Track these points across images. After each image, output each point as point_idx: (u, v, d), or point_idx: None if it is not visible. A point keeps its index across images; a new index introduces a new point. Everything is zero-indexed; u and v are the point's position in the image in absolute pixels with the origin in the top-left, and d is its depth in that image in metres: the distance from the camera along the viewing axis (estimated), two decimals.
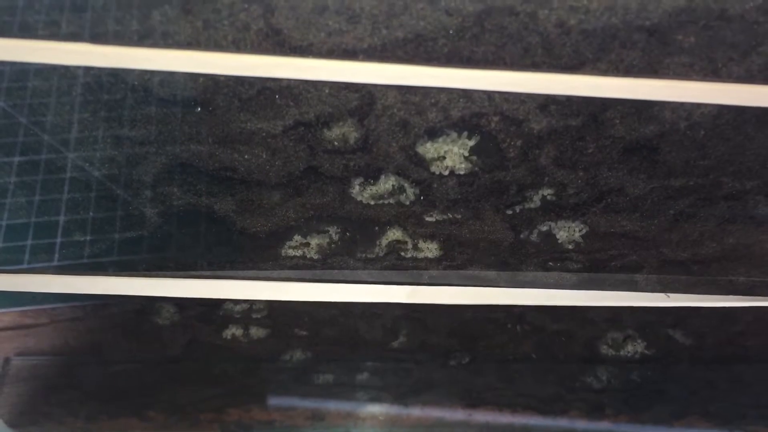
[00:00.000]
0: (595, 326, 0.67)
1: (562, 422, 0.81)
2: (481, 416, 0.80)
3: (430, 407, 0.79)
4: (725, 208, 0.52)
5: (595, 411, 0.78)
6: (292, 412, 0.79)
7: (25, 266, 0.56)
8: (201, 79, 0.43)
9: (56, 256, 0.55)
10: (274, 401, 0.78)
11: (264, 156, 0.48)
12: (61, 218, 0.53)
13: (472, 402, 0.77)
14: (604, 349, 0.70)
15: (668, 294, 0.60)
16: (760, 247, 0.56)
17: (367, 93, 0.44)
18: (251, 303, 0.64)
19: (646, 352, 0.71)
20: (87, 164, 0.49)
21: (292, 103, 0.45)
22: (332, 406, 0.79)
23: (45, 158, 0.49)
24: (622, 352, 0.70)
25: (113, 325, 0.68)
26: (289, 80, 0.43)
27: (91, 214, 0.53)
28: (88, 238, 0.54)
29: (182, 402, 0.77)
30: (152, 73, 0.43)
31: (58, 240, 0.54)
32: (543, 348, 0.70)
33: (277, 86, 0.44)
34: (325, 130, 0.47)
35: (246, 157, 0.48)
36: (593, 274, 0.59)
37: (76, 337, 0.70)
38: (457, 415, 0.79)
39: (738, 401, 0.78)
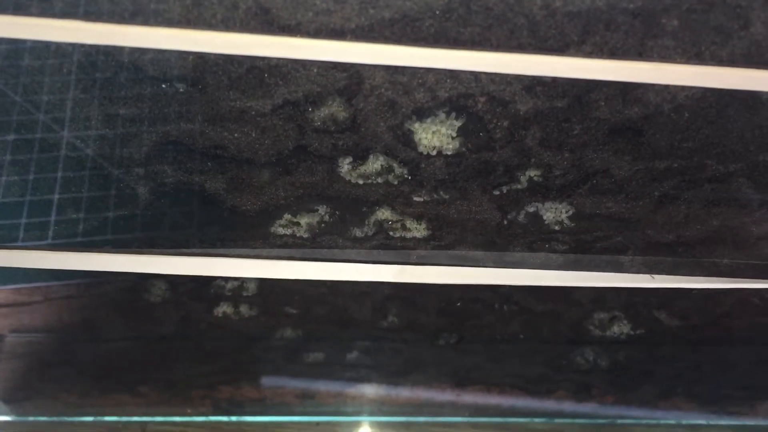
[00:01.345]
0: (581, 307, 0.68)
1: (550, 403, 0.82)
2: (470, 396, 0.81)
3: (420, 387, 0.80)
4: (709, 191, 0.53)
5: (581, 391, 0.80)
6: (283, 390, 0.80)
7: (18, 244, 0.56)
8: (191, 57, 0.44)
9: (49, 233, 0.55)
10: (264, 379, 0.79)
11: (253, 134, 0.49)
12: (54, 196, 0.53)
13: (461, 381, 0.78)
14: (591, 330, 0.71)
15: (653, 275, 0.61)
16: (743, 229, 0.57)
17: (355, 73, 0.45)
18: (242, 281, 0.65)
19: (632, 332, 0.72)
20: (78, 142, 0.49)
21: (281, 82, 0.45)
22: (322, 384, 0.80)
23: (37, 137, 0.49)
24: (608, 333, 0.71)
25: (106, 302, 0.69)
26: (277, 59, 0.44)
27: (83, 192, 0.53)
28: (80, 215, 0.54)
29: (174, 379, 0.78)
30: (143, 51, 0.43)
31: (51, 218, 0.55)
32: (530, 328, 0.71)
33: (266, 65, 0.44)
34: (313, 110, 0.47)
35: (236, 135, 0.49)
36: (579, 255, 0.60)
37: (69, 314, 0.70)
38: (446, 394, 0.81)
39: (723, 382, 0.80)
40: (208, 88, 0.45)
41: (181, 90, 0.45)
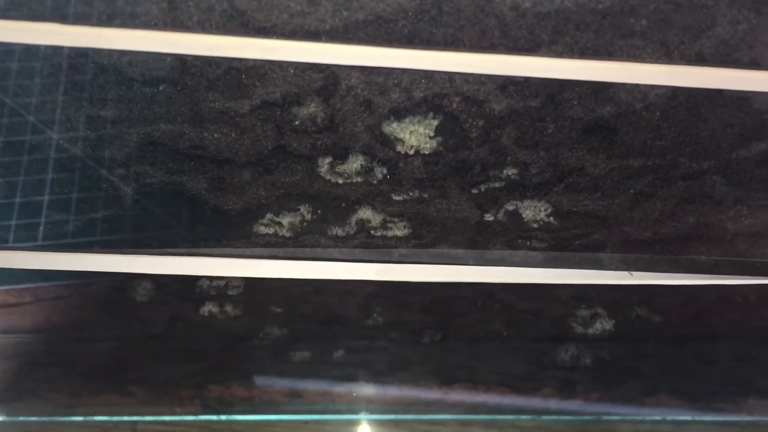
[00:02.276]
0: (563, 304, 0.69)
1: (536, 400, 0.83)
2: (457, 394, 0.81)
3: (407, 385, 0.81)
4: (683, 188, 0.54)
5: (566, 388, 0.80)
6: (271, 389, 0.81)
7: (8, 245, 0.57)
8: (168, 59, 0.44)
9: (36, 234, 0.56)
10: (253, 378, 0.79)
11: (233, 135, 0.49)
12: (39, 198, 0.54)
13: (447, 379, 0.79)
14: (574, 327, 0.72)
15: (632, 272, 0.61)
16: (719, 226, 0.58)
17: (331, 73, 0.46)
18: (227, 280, 0.66)
19: (614, 329, 0.72)
20: (61, 144, 0.50)
21: (258, 83, 0.46)
22: (310, 383, 0.81)
23: (18, 139, 0.50)
24: (590, 330, 0.72)
25: (95, 303, 0.69)
26: (254, 61, 0.44)
27: (67, 193, 0.54)
28: (66, 216, 0.55)
29: (163, 378, 0.79)
30: (121, 53, 0.44)
31: (39, 219, 0.55)
32: (513, 326, 0.71)
33: (243, 66, 0.45)
34: (291, 110, 0.48)
35: (215, 135, 0.49)
36: (559, 253, 0.60)
37: (59, 315, 0.71)
38: (434, 392, 0.81)
39: (706, 379, 0.80)
40: (187, 90, 0.46)
41: (160, 91, 0.46)
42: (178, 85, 0.46)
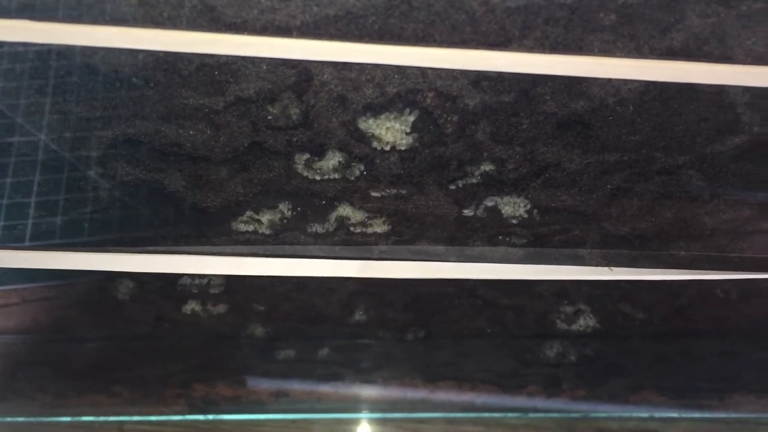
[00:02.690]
0: (545, 301, 0.69)
1: (522, 398, 0.83)
2: (443, 392, 0.82)
3: (393, 383, 0.81)
4: (660, 183, 0.54)
5: (552, 386, 0.80)
6: (257, 388, 0.81)
7: None
8: (141, 55, 0.45)
9: (16, 234, 0.56)
10: (238, 377, 0.79)
11: (208, 132, 0.50)
12: (20, 199, 0.54)
13: (432, 377, 0.79)
14: (557, 324, 0.72)
15: (612, 268, 0.61)
16: (697, 221, 0.58)
17: (303, 69, 0.46)
18: (209, 278, 0.66)
19: (598, 326, 0.72)
20: (36, 143, 0.50)
21: (231, 80, 0.46)
22: (296, 382, 0.81)
23: None
24: (574, 327, 0.72)
25: (80, 303, 0.69)
26: (226, 56, 0.45)
27: (46, 193, 0.54)
28: (45, 216, 0.55)
29: (148, 378, 0.79)
30: (93, 49, 0.44)
31: (20, 220, 0.55)
32: (497, 323, 0.72)
33: (215, 62, 0.45)
34: (266, 106, 0.48)
35: (191, 132, 0.49)
36: (539, 249, 0.61)
37: (45, 315, 0.71)
38: (419, 390, 0.81)
39: (691, 375, 0.80)
40: (161, 86, 0.46)
41: (134, 88, 0.46)
42: (151, 82, 0.46)
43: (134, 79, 0.46)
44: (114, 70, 0.46)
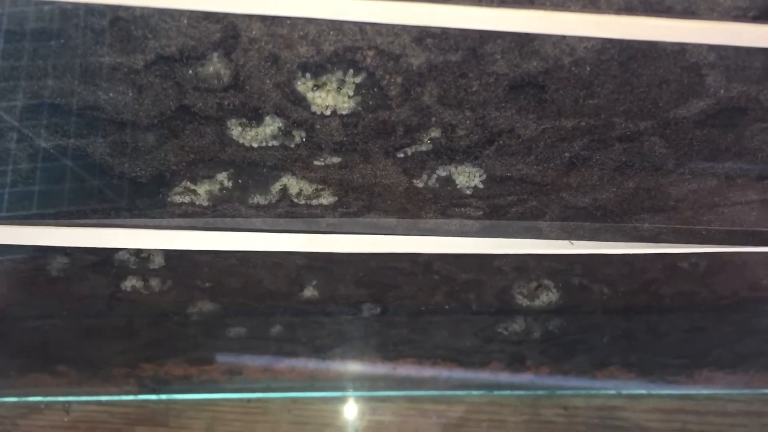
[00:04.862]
0: (505, 276, 0.66)
1: (485, 374, 0.80)
2: (403, 369, 0.79)
3: (350, 360, 0.78)
4: (621, 151, 0.51)
5: (516, 362, 0.78)
6: (209, 367, 0.78)
7: None
8: (47, 7, 0.40)
9: None
10: (188, 355, 0.76)
11: (130, 94, 0.45)
12: None
13: (391, 355, 0.76)
14: (518, 299, 0.69)
15: (572, 241, 0.58)
16: (661, 191, 0.55)
17: (229, 24, 0.42)
18: (148, 253, 0.62)
19: (561, 301, 0.70)
20: None
21: (150, 35, 0.42)
22: (248, 360, 0.78)
23: None
24: (536, 303, 0.69)
25: (13, 280, 0.66)
26: (141, 9, 0.40)
27: None
28: None
29: (93, 357, 0.75)
30: None
31: None
32: (455, 298, 0.68)
33: (130, 15, 0.41)
34: (191, 65, 0.44)
35: (111, 95, 0.45)
36: (496, 221, 0.57)
37: None
38: (377, 368, 0.78)
39: (658, 351, 0.78)
40: (71, 42, 0.42)
41: (42, 44, 0.42)
42: (61, 38, 0.42)
43: (41, 34, 0.41)
44: (18, 23, 0.41)
